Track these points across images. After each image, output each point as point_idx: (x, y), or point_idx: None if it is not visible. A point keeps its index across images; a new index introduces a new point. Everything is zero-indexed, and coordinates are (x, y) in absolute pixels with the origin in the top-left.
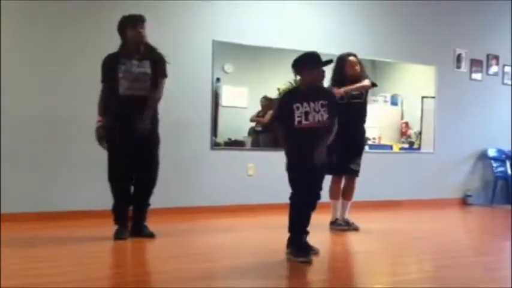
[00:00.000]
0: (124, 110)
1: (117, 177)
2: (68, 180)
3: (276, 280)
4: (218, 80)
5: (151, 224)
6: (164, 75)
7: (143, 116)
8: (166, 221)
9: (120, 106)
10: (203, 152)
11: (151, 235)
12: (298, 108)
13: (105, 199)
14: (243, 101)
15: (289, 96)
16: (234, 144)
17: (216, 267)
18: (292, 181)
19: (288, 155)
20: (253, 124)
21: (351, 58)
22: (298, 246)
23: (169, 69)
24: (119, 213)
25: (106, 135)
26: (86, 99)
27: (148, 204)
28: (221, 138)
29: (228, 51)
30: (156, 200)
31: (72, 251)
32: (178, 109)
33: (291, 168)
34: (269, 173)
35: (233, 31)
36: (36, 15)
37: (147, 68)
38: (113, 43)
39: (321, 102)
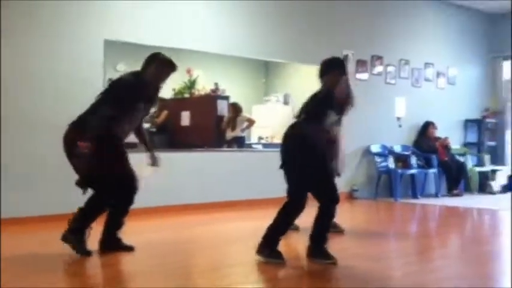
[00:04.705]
0: None
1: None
2: None
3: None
4: (110, 80)
5: None
6: None
7: None
8: None
9: None
10: None
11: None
12: None
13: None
14: None
15: None
16: (128, 146)
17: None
18: (331, 190)
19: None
20: (147, 125)
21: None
22: (326, 251)
23: (59, 68)
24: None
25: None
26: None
27: None
28: None
29: (120, 51)
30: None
31: None
32: (69, 110)
33: (327, 179)
34: (164, 174)
35: (125, 30)
36: None
37: None
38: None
39: None
